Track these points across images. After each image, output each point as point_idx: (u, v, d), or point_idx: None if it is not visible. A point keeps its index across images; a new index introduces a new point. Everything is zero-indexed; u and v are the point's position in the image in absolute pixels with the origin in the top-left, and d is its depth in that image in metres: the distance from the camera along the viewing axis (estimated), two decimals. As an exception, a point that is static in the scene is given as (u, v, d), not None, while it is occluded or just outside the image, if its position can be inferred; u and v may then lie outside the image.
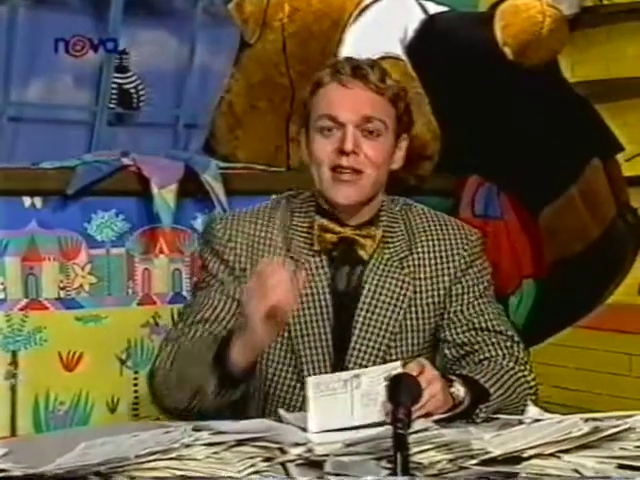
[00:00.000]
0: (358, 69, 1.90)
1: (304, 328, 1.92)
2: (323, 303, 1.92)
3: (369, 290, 1.93)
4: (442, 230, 1.99)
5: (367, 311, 1.93)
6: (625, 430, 1.50)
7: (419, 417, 1.59)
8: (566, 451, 1.46)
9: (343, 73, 1.89)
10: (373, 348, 1.92)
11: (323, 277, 1.92)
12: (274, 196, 2.60)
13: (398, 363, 1.67)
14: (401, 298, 1.94)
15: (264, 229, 1.97)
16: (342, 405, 1.63)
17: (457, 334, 1.94)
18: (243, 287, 1.91)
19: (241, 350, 1.74)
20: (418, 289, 1.95)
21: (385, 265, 1.94)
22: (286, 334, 1.92)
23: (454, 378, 1.75)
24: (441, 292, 1.96)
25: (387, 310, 1.93)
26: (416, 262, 1.96)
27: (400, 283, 1.94)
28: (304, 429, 1.62)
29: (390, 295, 1.93)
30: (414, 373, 1.63)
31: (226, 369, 1.75)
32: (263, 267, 1.73)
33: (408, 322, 1.94)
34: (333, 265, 1.94)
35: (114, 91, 2.87)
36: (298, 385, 1.92)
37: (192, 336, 1.91)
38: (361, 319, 1.92)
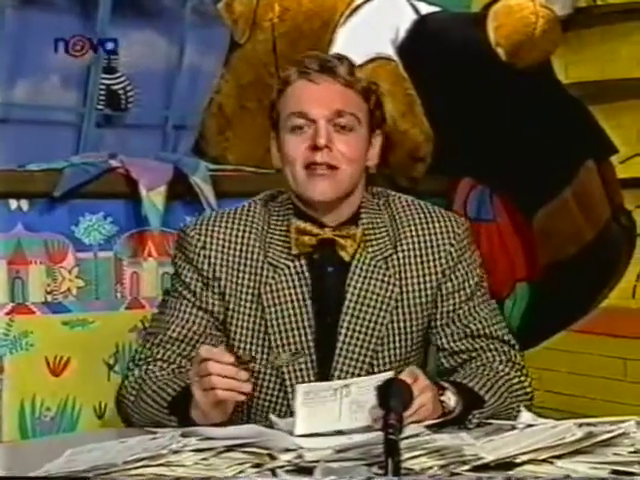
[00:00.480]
0: (325, 63, 1.87)
1: (284, 337, 1.88)
2: (303, 310, 1.88)
3: (353, 294, 1.88)
4: (427, 224, 1.93)
5: (352, 315, 1.88)
6: (619, 435, 1.50)
7: (410, 423, 1.57)
8: (559, 457, 1.45)
9: (310, 70, 1.86)
10: (359, 354, 1.88)
11: (303, 283, 1.88)
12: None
13: (390, 373, 1.65)
14: (387, 300, 1.89)
15: (240, 234, 1.93)
16: (330, 411, 1.62)
17: (454, 342, 1.90)
18: (215, 297, 1.90)
19: (200, 416, 1.71)
20: (404, 289, 1.90)
21: (369, 265, 1.89)
22: (266, 344, 1.88)
23: (446, 386, 1.73)
24: (429, 291, 1.91)
25: (372, 314, 1.88)
26: (401, 260, 1.91)
27: (385, 285, 1.89)
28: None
29: (375, 298, 1.88)
30: (408, 382, 1.61)
31: (188, 420, 1.72)
32: (201, 355, 1.67)
33: (395, 325, 1.90)
34: (314, 268, 1.89)
35: (102, 92, 2.85)
36: (281, 395, 1.89)
37: (160, 357, 1.88)
38: (346, 324, 1.88)
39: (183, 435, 1.56)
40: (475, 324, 1.91)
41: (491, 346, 1.90)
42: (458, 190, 2.88)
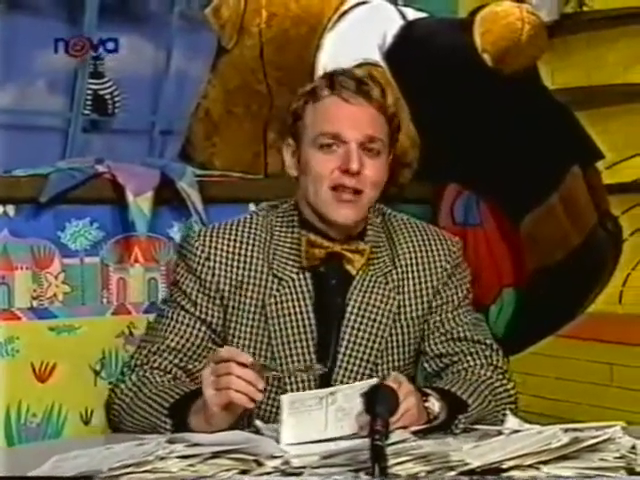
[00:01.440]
0: (361, 85, 1.86)
1: (287, 349, 1.89)
2: (307, 322, 1.89)
3: (354, 307, 1.91)
4: (424, 242, 1.97)
5: (353, 328, 1.90)
6: (605, 441, 1.50)
7: (396, 429, 1.57)
8: (545, 462, 1.45)
9: (345, 87, 1.85)
10: (360, 366, 1.90)
11: (307, 295, 1.90)
12: (252, 206, 2.60)
13: (374, 380, 1.66)
14: (386, 314, 1.92)
15: (244, 247, 1.93)
16: (316, 419, 1.62)
17: (435, 344, 1.93)
18: (215, 309, 1.90)
19: (200, 422, 1.71)
20: (402, 303, 1.94)
21: (370, 281, 1.92)
22: (269, 354, 1.89)
23: (430, 392, 1.74)
24: (425, 305, 1.95)
25: (373, 327, 1.91)
26: (400, 276, 1.94)
27: (385, 299, 1.92)
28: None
29: (375, 311, 1.91)
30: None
31: (184, 426, 1.72)
32: (221, 356, 1.67)
33: (394, 338, 1.93)
34: (318, 281, 1.91)
35: (89, 97, 2.85)
36: None
37: (157, 366, 1.88)
38: (347, 336, 1.90)
39: (169, 441, 1.55)
40: (456, 328, 1.95)
41: (472, 349, 1.92)
42: (445, 196, 2.87)
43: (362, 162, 1.84)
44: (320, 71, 2.72)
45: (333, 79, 1.88)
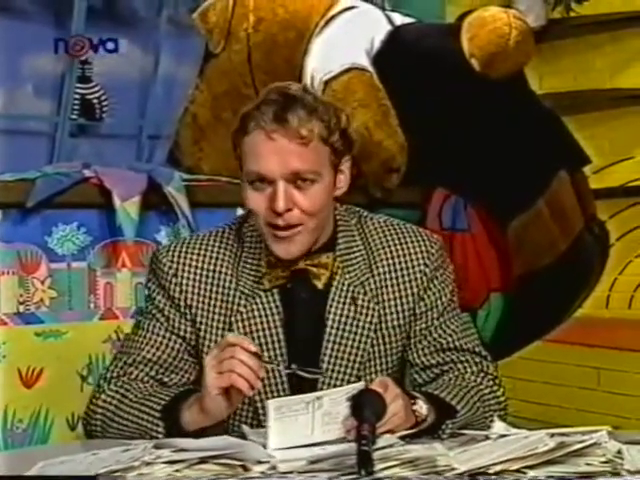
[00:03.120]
0: (280, 112, 1.76)
1: None
2: (275, 338, 1.86)
3: (334, 320, 1.87)
4: (402, 245, 1.91)
5: (334, 342, 1.87)
6: (591, 445, 1.49)
7: (383, 433, 1.57)
8: (532, 467, 1.44)
9: (266, 121, 1.76)
10: (342, 380, 1.86)
11: (275, 311, 1.86)
12: (239, 210, 2.60)
13: (361, 383, 1.65)
14: (367, 326, 1.88)
15: (212, 262, 1.90)
16: (302, 424, 1.61)
17: (425, 356, 1.90)
18: (187, 324, 1.89)
19: (194, 414, 1.70)
20: (382, 312, 1.89)
21: (347, 292, 1.88)
22: None
23: (418, 395, 1.73)
24: (406, 313, 1.90)
25: (354, 340, 1.87)
26: (378, 284, 1.89)
27: (364, 310, 1.88)
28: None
29: (356, 324, 1.88)
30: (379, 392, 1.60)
31: (176, 426, 1.72)
32: (228, 341, 1.68)
33: (376, 349, 1.89)
34: (287, 297, 1.87)
35: (76, 102, 2.85)
36: (254, 423, 1.84)
37: (134, 378, 1.87)
38: (329, 351, 1.87)
39: (156, 447, 1.55)
40: (445, 338, 1.90)
41: (462, 358, 1.89)
42: (432, 200, 2.87)
43: (293, 198, 1.78)
44: (308, 76, 2.73)
45: (257, 109, 1.79)
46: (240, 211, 2.62)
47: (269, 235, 1.82)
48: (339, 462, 1.46)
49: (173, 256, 1.91)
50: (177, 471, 1.47)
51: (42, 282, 2.49)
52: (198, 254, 1.91)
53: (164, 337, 1.89)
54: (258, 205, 1.81)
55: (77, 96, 2.82)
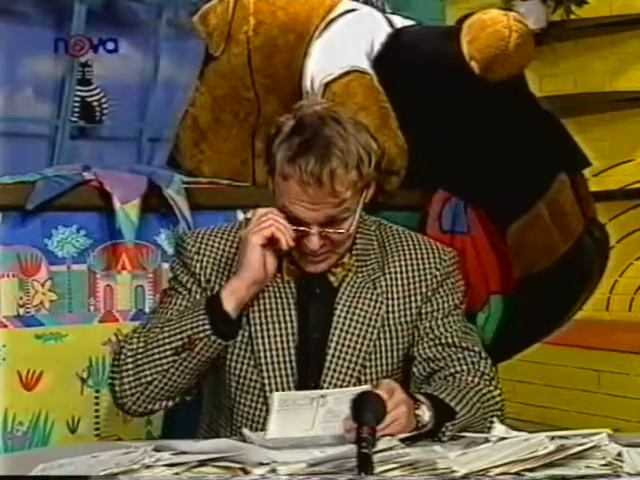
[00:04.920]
0: (314, 172, 1.78)
1: (269, 355, 1.91)
2: (289, 324, 1.91)
3: (342, 310, 1.92)
4: (415, 249, 1.98)
5: (341, 330, 1.92)
6: (591, 448, 1.49)
7: (383, 436, 1.57)
8: (532, 469, 1.44)
9: (304, 172, 1.79)
10: (348, 368, 1.90)
11: (291, 301, 1.92)
12: (239, 213, 2.60)
13: (366, 386, 1.67)
14: (374, 317, 1.93)
15: (233, 250, 1.97)
16: (304, 418, 1.63)
17: (423, 349, 1.94)
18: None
19: (233, 284, 1.85)
20: (390, 308, 1.94)
21: (358, 286, 1.94)
22: (249, 347, 1.91)
23: (423, 401, 1.73)
24: (413, 311, 1.95)
25: (361, 330, 1.92)
26: (389, 282, 1.95)
27: (373, 303, 1.94)
28: (268, 448, 1.60)
29: (363, 315, 1.93)
30: (384, 396, 1.61)
31: (219, 310, 1.82)
32: (260, 212, 1.84)
33: (382, 342, 1.94)
34: (301, 290, 1.93)
35: (76, 104, 2.84)
36: (260, 400, 1.91)
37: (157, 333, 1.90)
38: (335, 338, 1.91)
39: (156, 449, 1.55)
40: (445, 335, 1.95)
41: (459, 355, 1.92)
42: (432, 203, 2.87)
43: (326, 237, 1.86)
44: (308, 78, 2.73)
45: (295, 156, 1.80)
46: (240, 214, 2.62)
47: (299, 254, 1.90)
48: (339, 465, 1.46)
49: (197, 238, 2.00)
50: (177, 474, 1.47)
51: (42, 285, 2.49)
52: (220, 238, 2.00)
53: (186, 307, 1.94)
54: (291, 232, 1.85)
55: (77, 99, 2.82)
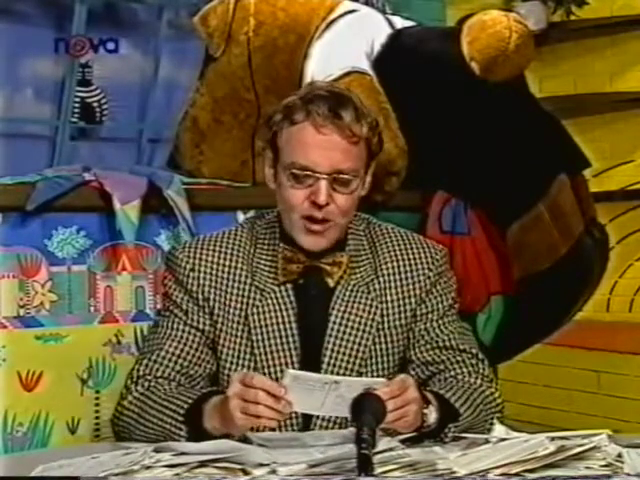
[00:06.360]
0: (334, 110, 1.82)
1: (270, 359, 1.90)
2: (289, 332, 1.91)
3: (337, 316, 1.92)
4: (407, 250, 1.97)
5: (336, 337, 1.91)
6: (591, 449, 1.50)
7: (384, 436, 1.56)
8: (532, 470, 1.44)
9: (319, 113, 1.82)
10: (344, 375, 1.88)
11: (289, 307, 1.91)
12: (240, 213, 2.60)
13: (381, 380, 1.65)
14: (369, 323, 1.92)
15: (228, 257, 1.95)
16: (315, 397, 1.61)
17: (421, 353, 1.93)
18: (206, 317, 1.92)
19: (216, 424, 1.71)
20: (385, 312, 1.94)
21: (352, 291, 1.93)
22: (252, 364, 1.90)
23: (432, 402, 1.73)
24: (408, 314, 1.95)
25: (356, 336, 1.92)
26: (382, 285, 1.95)
27: (367, 308, 1.93)
28: (268, 448, 1.61)
29: (358, 321, 1.92)
30: (396, 392, 1.62)
31: (199, 431, 1.73)
32: (252, 382, 1.65)
33: (377, 347, 1.93)
34: (299, 292, 1.92)
35: (76, 105, 2.85)
36: None
37: (160, 375, 1.89)
38: (330, 346, 1.91)
39: (156, 450, 1.55)
40: (443, 337, 1.94)
41: (458, 358, 1.92)
42: (432, 204, 2.87)
43: (331, 195, 1.85)
44: (308, 79, 2.73)
45: (307, 102, 1.83)
46: (240, 214, 2.62)
47: (302, 228, 1.88)
48: (339, 466, 1.47)
49: (189, 252, 1.96)
50: (177, 475, 1.47)
51: (42, 285, 2.49)
52: (214, 250, 1.96)
53: (184, 331, 1.92)
54: (296, 198, 1.86)
55: (77, 99, 2.82)
